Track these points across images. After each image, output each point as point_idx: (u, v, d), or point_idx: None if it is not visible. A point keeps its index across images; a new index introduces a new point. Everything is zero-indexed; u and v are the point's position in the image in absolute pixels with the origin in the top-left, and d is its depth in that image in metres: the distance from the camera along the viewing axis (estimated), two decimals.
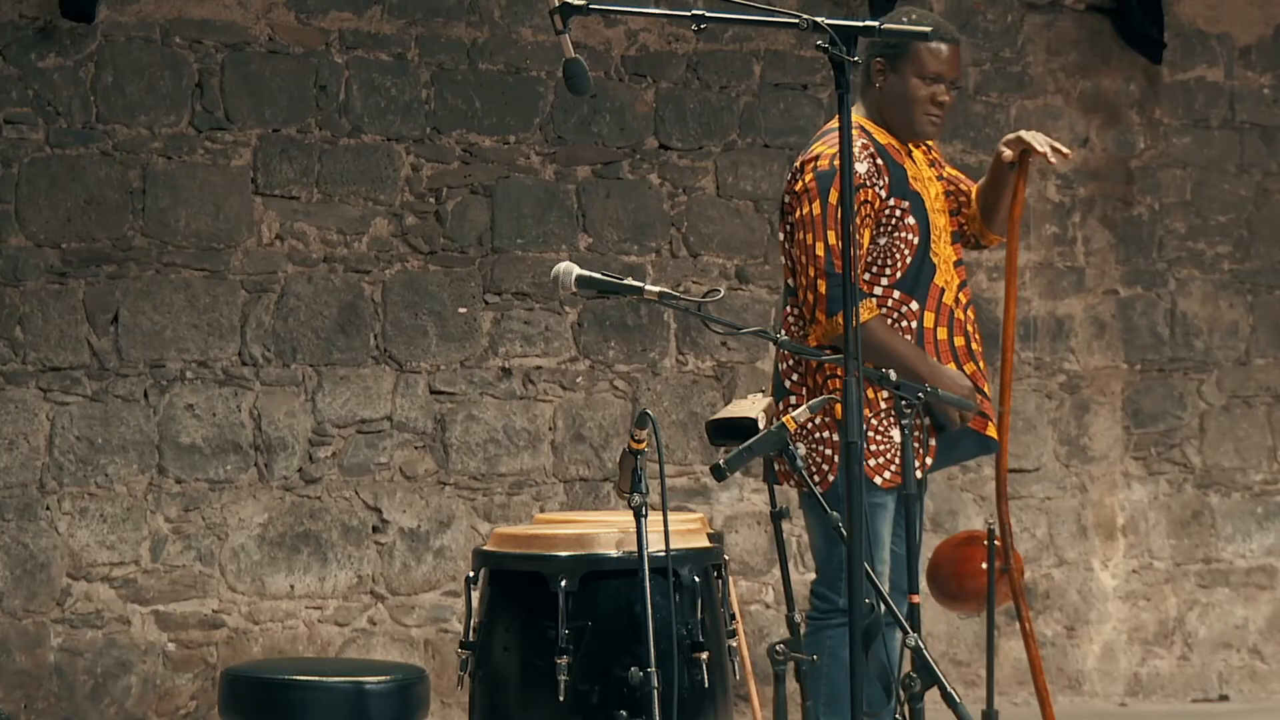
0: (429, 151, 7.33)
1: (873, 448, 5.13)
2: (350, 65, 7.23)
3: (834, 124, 5.26)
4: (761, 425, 4.39)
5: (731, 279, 7.67)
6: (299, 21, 7.17)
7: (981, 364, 5.37)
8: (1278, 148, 8.50)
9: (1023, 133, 5.37)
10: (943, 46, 5.23)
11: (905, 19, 5.21)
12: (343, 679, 5.09)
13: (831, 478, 5.11)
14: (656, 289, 4.45)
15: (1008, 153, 5.35)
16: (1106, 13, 8.25)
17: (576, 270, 4.47)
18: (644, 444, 4.26)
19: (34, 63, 6.87)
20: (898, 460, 5.15)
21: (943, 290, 5.27)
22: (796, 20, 3.89)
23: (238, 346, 7.08)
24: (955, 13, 8.03)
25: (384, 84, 7.26)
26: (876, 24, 3.93)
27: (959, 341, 5.30)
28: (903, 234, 5.19)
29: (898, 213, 5.17)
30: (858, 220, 5.12)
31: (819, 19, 3.86)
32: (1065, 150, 5.35)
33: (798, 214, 5.16)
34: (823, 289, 5.07)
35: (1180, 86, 8.37)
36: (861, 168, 5.11)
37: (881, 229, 5.17)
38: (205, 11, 7.06)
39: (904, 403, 4.71)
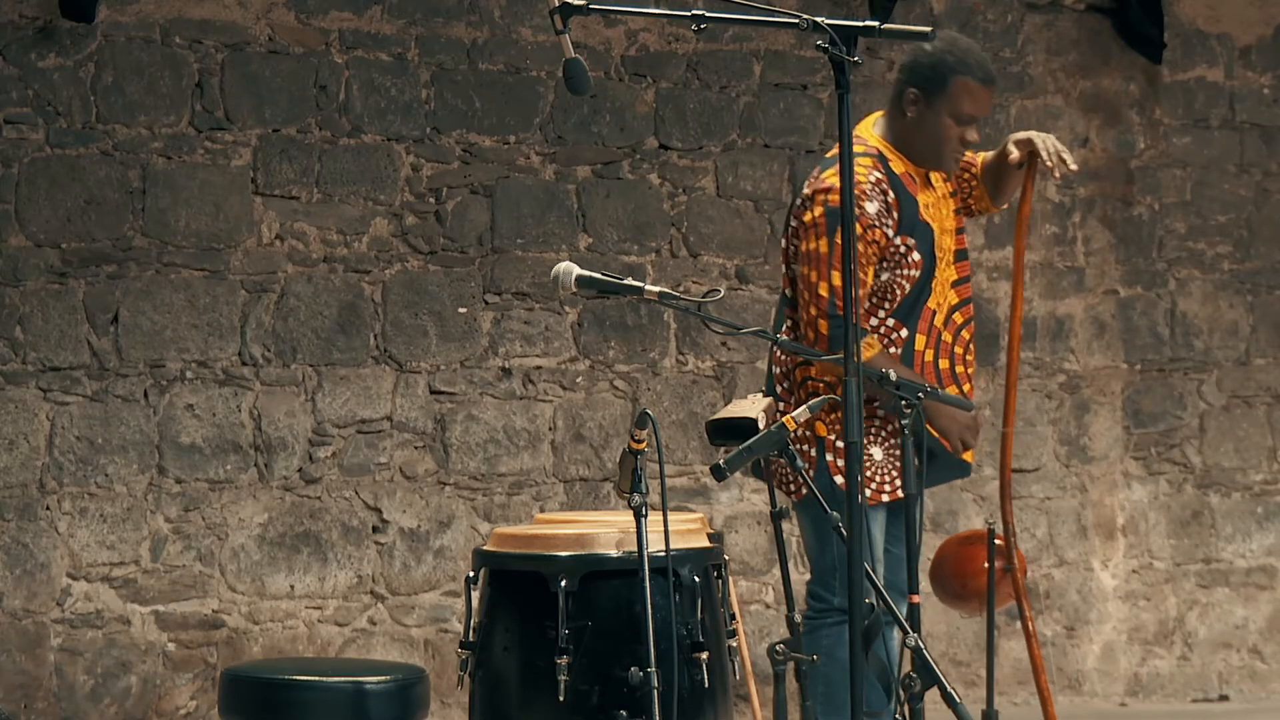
0: (429, 151, 7.33)
1: None
2: (350, 65, 7.23)
3: (854, 147, 5.16)
4: (761, 425, 4.39)
5: (731, 279, 7.67)
6: (299, 21, 7.18)
7: (968, 387, 5.34)
8: (1278, 148, 8.50)
9: (1034, 134, 5.34)
10: (981, 88, 5.16)
11: (943, 51, 5.14)
12: (343, 679, 5.10)
13: (804, 492, 5.11)
14: (656, 289, 4.45)
15: (1015, 154, 5.33)
16: (1106, 13, 8.25)
17: (576, 270, 4.47)
18: (644, 444, 4.26)
19: (34, 63, 6.87)
20: (879, 477, 5.17)
21: (934, 313, 5.25)
22: (796, 20, 3.89)
23: (238, 346, 7.08)
24: (955, 13, 8.04)
25: (384, 84, 7.26)
26: (876, 24, 3.92)
27: (944, 364, 5.27)
28: (905, 270, 5.13)
29: (902, 249, 5.11)
30: (862, 260, 5.06)
31: (819, 19, 3.86)
32: (1072, 165, 5.32)
33: (804, 246, 5.09)
34: (824, 329, 5.02)
35: (1180, 86, 8.37)
36: (871, 207, 5.04)
37: (884, 265, 5.11)
38: (205, 11, 7.06)
39: (904, 403, 4.70)
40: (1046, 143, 5.31)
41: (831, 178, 5.06)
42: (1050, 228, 8.15)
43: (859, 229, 5.00)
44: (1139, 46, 8.23)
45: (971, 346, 5.35)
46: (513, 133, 7.43)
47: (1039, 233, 8.14)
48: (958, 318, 5.29)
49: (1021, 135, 5.33)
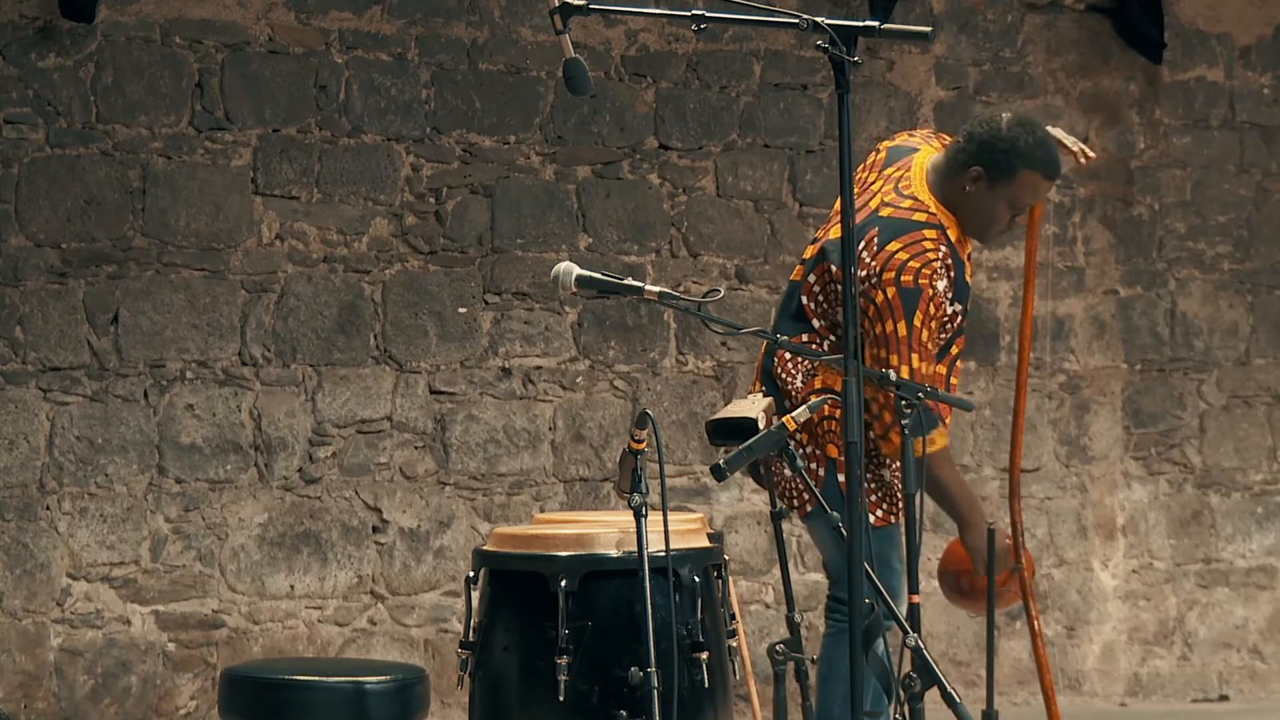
0: (429, 151, 7.33)
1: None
2: (350, 65, 7.23)
3: (915, 214, 5.06)
4: (761, 425, 4.39)
5: (731, 279, 7.67)
6: (299, 21, 7.18)
7: (949, 417, 5.33)
8: (1278, 148, 8.50)
9: (1049, 128, 5.33)
10: (1046, 183, 5.11)
11: (1017, 138, 5.07)
12: (343, 679, 5.10)
13: (809, 508, 5.12)
14: (656, 289, 4.44)
15: None
16: (1106, 13, 8.25)
17: (576, 270, 4.47)
18: (644, 444, 4.26)
19: (34, 63, 6.87)
20: (888, 501, 5.17)
21: (944, 355, 5.24)
22: (796, 20, 3.88)
23: (238, 346, 7.08)
24: (955, 13, 8.04)
25: (384, 84, 7.26)
26: (876, 24, 3.92)
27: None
28: (948, 332, 5.12)
29: (951, 312, 5.10)
30: (935, 336, 5.03)
31: (819, 19, 3.86)
32: (1091, 153, 5.32)
33: (876, 328, 4.97)
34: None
35: (1180, 86, 8.37)
36: (942, 285, 5.00)
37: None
38: (205, 11, 7.06)
39: (904, 403, 4.70)
40: (1065, 134, 5.31)
41: (901, 252, 4.98)
42: (1050, 228, 8.15)
43: (932, 309, 4.98)
44: (1139, 46, 8.23)
45: (957, 368, 5.34)
46: (513, 133, 7.43)
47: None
48: (953, 350, 5.27)
49: None
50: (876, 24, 3.92)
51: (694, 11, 3.96)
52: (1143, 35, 8.20)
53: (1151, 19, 8.17)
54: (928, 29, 4.22)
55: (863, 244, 5.02)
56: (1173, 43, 8.28)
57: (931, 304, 4.98)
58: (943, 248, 5.04)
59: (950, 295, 5.06)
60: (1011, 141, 5.06)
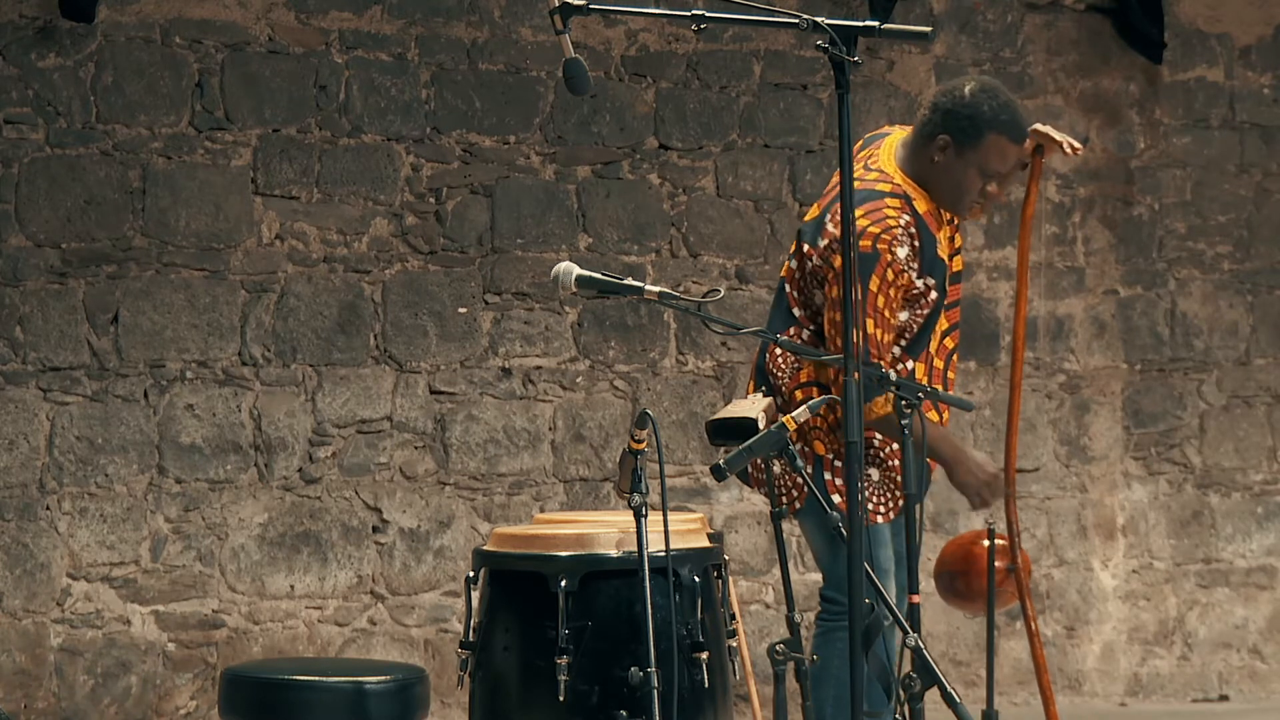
0: (429, 151, 7.33)
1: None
2: (350, 65, 7.23)
3: (878, 185, 5.09)
4: (761, 425, 4.39)
5: (731, 279, 7.67)
6: (299, 21, 7.18)
7: (946, 414, 5.33)
8: (1278, 148, 8.50)
9: (1036, 125, 5.33)
10: (1013, 146, 5.11)
11: (981, 102, 5.10)
12: (343, 679, 5.10)
13: (799, 505, 5.12)
14: (656, 289, 4.45)
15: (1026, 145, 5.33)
16: (1106, 13, 8.25)
17: (576, 270, 4.47)
18: (644, 444, 4.27)
19: (34, 63, 6.87)
20: (876, 497, 5.16)
21: (929, 339, 5.24)
22: (796, 20, 3.89)
23: (238, 346, 7.08)
24: (955, 13, 8.04)
25: (384, 84, 7.26)
26: (876, 24, 3.92)
27: (938, 388, 5.25)
28: (922, 309, 5.11)
29: (922, 288, 5.08)
30: (893, 304, 5.02)
31: (819, 19, 3.86)
32: (1077, 145, 5.33)
33: (833, 291, 4.99)
34: (855, 375, 4.94)
35: (1180, 86, 8.37)
36: (901, 252, 5.00)
37: (904, 305, 5.09)
38: (205, 11, 7.06)
39: (904, 403, 4.70)
40: (1051, 130, 5.32)
41: (861, 219, 4.97)
42: (1050, 228, 8.16)
43: (890, 275, 4.98)
44: (1139, 46, 8.23)
45: (954, 363, 5.34)
46: (513, 133, 7.43)
47: (1038, 232, 8.14)
48: (949, 343, 5.26)
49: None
50: (876, 24, 3.92)
51: (694, 11, 3.97)
52: (1143, 35, 8.20)
53: (1151, 19, 8.17)
54: (928, 29, 4.22)
55: (829, 216, 5.07)
56: (1173, 43, 8.28)
57: (890, 270, 4.97)
58: (905, 216, 5.05)
59: (916, 266, 5.06)
60: (975, 107, 5.09)
